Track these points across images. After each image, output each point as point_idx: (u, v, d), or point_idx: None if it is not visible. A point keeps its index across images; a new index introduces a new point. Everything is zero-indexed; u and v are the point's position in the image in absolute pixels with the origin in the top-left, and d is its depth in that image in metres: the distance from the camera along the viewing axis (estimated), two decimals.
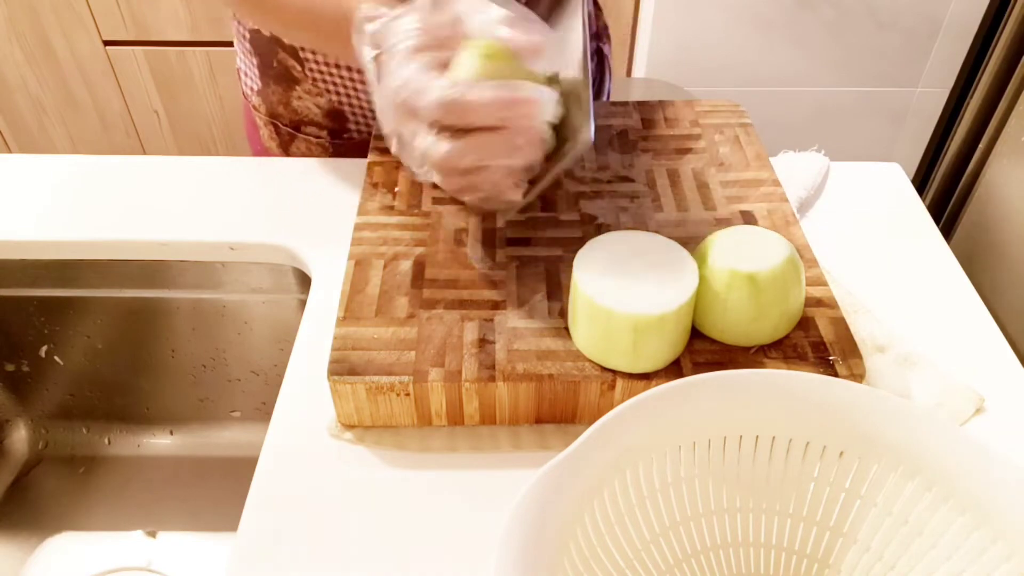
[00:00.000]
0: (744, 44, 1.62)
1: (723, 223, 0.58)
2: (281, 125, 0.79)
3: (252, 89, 0.80)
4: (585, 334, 0.48)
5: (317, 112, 0.76)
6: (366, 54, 0.46)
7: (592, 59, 0.82)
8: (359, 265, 0.55)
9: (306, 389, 0.53)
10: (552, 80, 0.47)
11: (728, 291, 0.48)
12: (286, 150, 0.81)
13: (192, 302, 0.71)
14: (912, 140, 1.80)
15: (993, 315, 0.59)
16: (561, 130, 0.47)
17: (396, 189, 0.62)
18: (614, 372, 0.47)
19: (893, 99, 1.74)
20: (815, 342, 0.50)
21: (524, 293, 0.53)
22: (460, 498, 0.48)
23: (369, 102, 0.73)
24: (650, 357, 0.47)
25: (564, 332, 0.50)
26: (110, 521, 0.75)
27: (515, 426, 0.50)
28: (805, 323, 0.51)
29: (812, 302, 0.52)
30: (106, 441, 0.80)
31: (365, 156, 0.66)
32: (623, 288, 0.46)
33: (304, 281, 0.67)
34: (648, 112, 0.70)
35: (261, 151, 0.84)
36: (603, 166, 0.64)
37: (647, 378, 0.47)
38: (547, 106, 0.44)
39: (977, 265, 0.64)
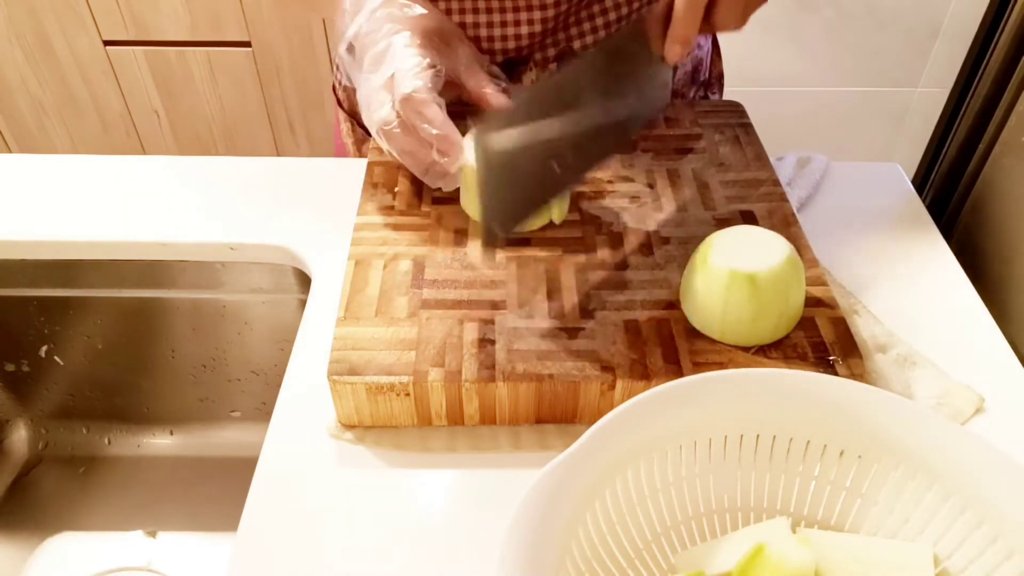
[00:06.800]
0: (744, 44, 1.62)
1: (723, 223, 0.58)
2: (357, 124, 0.80)
3: (339, 83, 0.81)
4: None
5: None
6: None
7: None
8: (359, 265, 0.55)
9: (306, 389, 0.53)
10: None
11: (728, 291, 0.48)
12: (359, 149, 0.81)
13: (192, 302, 0.71)
14: (912, 140, 1.80)
15: (993, 315, 0.59)
16: None
17: (396, 189, 0.62)
18: (615, 374, 0.47)
19: (893, 99, 1.74)
20: (815, 342, 0.50)
21: (524, 293, 0.53)
22: (460, 498, 0.48)
23: None
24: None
25: (564, 332, 0.50)
26: (110, 521, 0.75)
27: (515, 426, 0.50)
28: (805, 323, 0.51)
29: (812, 302, 0.52)
30: (106, 441, 0.80)
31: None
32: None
33: (304, 281, 0.67)
34: None
35: (339, 147, 0.84)
36: (603, 166, 0.64)
37: (647, 378, 0.47)
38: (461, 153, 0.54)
39: (977, 265, 0.64)
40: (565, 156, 0.51)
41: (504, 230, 0.50)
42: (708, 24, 0.52)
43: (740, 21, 0.52)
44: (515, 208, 0.51)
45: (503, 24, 0.67)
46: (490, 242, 0.50)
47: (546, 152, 0.50)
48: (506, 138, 0.48)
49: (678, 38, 0.51)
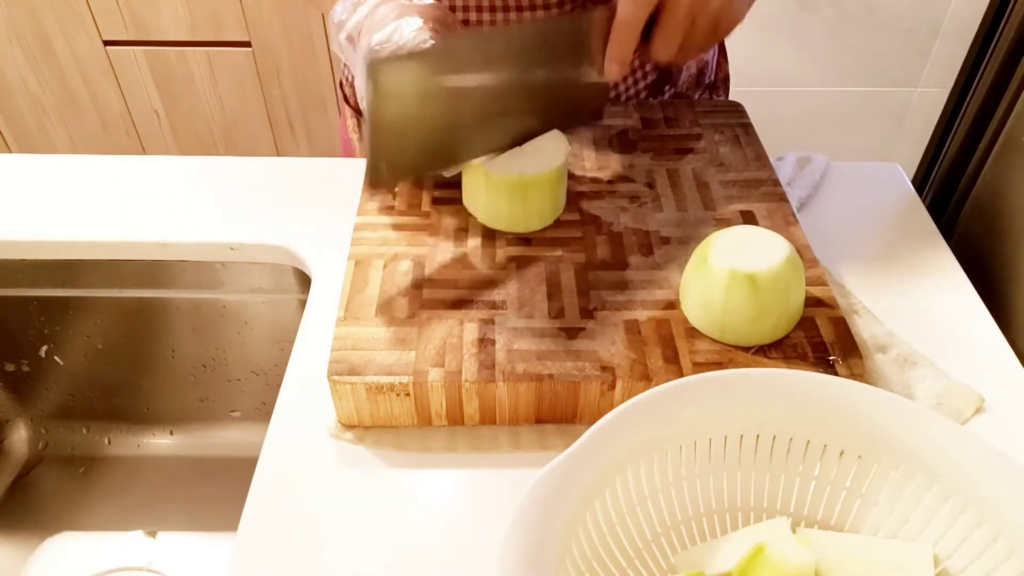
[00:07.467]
0: (744, 44, 1.62)
1: (723, 223, 0.58)
2: (363, 119, 0.80)
3: (347, 78, 0.81)
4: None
5: None
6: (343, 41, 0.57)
7: None
8: (359, 265, 0.55)
9: (306, 389, 0.53)
10: None
11: (728, 291, 0.48)
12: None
13: (192, 302, 0.71)
14: (912, 140, 1.80)
15: (993, 315, 0.59)
16: None
17: (396, 189, 0.62)
18: (615, 374, 0.47)
19: (893, 99, 1.74)
20: (815, 342, 0.50)
21: (524, 293, 0.53)
22: (460, 498, 0.48)
23: None
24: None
25: (564, 332, 0.50)
26: (110, 521, 0.75)
27: (515, 426, 0.50)
28: (805, 323, 0.51)
29: (812, 302, 0.52)
30: (106, 441, 0.80)
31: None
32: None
33: (304, 281, 0.67)
34: (648, 112, 0.70)
35: (346, 142, 0.84)
36: (603, 166, 0.64)
37: (647, 378, 0.47)
38: None
39: (977, 265, 0.64)
40: (469, 122, 0.52)
41: (393, 174, 0.51)
42: (647, 50, 0.53)
43: (673, 56, 0.53)
44: (407, 154, 0.51)
45: (507, 24, 0.67)
46: (376, 182, 0.50)
47: (449, 108, 0.50)
48: (404, 79, 0.47)
49: (614, 57, 0.53)
